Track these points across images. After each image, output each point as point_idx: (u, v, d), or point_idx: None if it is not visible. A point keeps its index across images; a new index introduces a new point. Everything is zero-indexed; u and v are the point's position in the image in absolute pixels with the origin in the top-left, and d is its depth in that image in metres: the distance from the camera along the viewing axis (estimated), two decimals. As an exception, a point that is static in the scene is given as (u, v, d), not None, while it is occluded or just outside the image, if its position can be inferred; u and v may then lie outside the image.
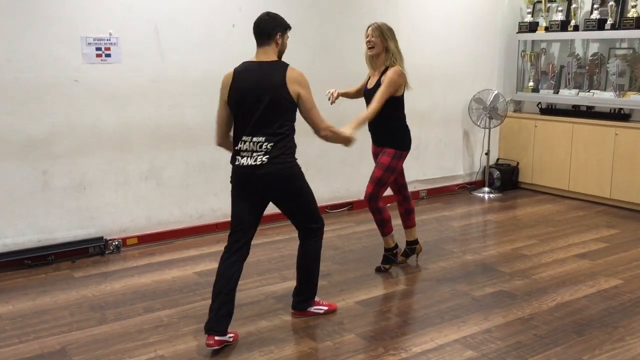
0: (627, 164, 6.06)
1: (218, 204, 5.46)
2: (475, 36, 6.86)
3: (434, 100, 6.66)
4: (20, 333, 3.53)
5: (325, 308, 3.79)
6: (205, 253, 4.93)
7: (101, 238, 4.90)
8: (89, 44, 4.67)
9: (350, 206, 6.15)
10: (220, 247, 5.13)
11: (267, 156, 3.33)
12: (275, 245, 5.09)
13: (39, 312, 3.81)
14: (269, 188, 3.43)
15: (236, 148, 3.42)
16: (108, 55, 4.76)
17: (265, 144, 3.33)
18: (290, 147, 3.43)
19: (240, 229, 3.49)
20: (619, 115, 6.25)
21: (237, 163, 3.41)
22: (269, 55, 3.40)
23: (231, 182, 3.50)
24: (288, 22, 3.48)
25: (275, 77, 3.33)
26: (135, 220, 5.08)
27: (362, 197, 4.57)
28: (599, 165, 6.30)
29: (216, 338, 3.29)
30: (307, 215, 3.60)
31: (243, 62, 3.46)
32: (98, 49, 4.71)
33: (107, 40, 4.74)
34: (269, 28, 3.38)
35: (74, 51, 4.63)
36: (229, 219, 5.44)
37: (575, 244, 5.10)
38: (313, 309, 3.75)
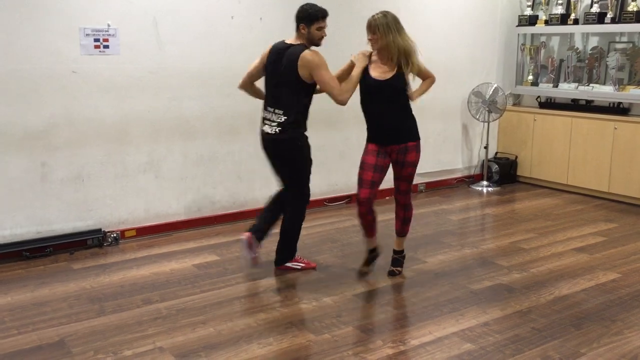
0: (626, 158, 6.06)
1: (217, 197, 5.46)
2: (474, 29, 6.85)
3: (432, 93, 6.49)
4: (19, 325, 3.53)
5: (303, 265, 4.33)
6: (203, 245, 4.93)
7: (99, 230, 4.89)
8: (87, 35, 4.65)
9: (349, 199, 6.15)
10: (219, 240, 5.21)
11: (280, 128, 3.95)
12: (274, 238, 5.08)
13: (37, 304, 3.80)
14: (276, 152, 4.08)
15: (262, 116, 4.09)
16: (106, 47, 4.74)
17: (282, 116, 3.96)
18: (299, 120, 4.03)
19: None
20: (618, 109, 6.24)
21: (262, 128, 4.09)
22: (298, 39, 4.00)
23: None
24: (323, 9, 3.99)
25: (292, 60, 3.90)
26: (133, 213, 5.07)
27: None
28: (597, 159, 6.30)
29: (250, 237, 4.18)
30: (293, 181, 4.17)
31: (280, 41, 4.06)
32: (96, 40, 4.69)
33: (106, 31, 4.72)
34: (296, 19, 3.97)
35: (72, 42, 4.60)
36: (228, 211, 5.56)
37: (573, 238, 5.10)
38: (291, 264, 4.32)
